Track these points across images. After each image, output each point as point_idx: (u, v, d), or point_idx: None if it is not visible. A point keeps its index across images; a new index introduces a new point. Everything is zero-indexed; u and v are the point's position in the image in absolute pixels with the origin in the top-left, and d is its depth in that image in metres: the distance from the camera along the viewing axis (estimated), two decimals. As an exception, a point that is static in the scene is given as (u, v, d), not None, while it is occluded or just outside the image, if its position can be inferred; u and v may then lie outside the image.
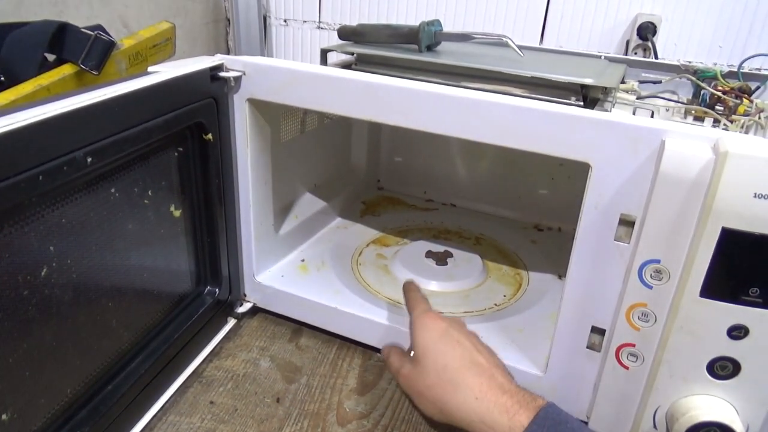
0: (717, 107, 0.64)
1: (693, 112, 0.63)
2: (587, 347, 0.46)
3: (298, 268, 0.65)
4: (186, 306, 0.55)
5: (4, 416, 0.36)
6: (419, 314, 0.48)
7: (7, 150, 0.32)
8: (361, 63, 0.64)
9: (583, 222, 0.43)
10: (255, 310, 0.63)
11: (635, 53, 1.01)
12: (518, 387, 0.42)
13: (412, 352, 0.47)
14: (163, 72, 0.45)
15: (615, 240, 0.42)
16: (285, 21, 1.26)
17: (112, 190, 0.42)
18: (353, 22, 0.73)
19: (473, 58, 0.61)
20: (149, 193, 0.47)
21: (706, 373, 0.40)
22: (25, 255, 0.35)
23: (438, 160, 0.85)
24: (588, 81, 0.53)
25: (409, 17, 1.14)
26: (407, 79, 0.47)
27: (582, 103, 0.54)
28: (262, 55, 1.26)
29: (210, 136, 0.51)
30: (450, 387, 0.43)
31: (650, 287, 0.40)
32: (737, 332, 0.38)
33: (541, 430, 0.38)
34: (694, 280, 0.38)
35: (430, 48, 0.63)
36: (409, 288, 0.54)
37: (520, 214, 0.81)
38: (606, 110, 0.54)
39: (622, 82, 0.67)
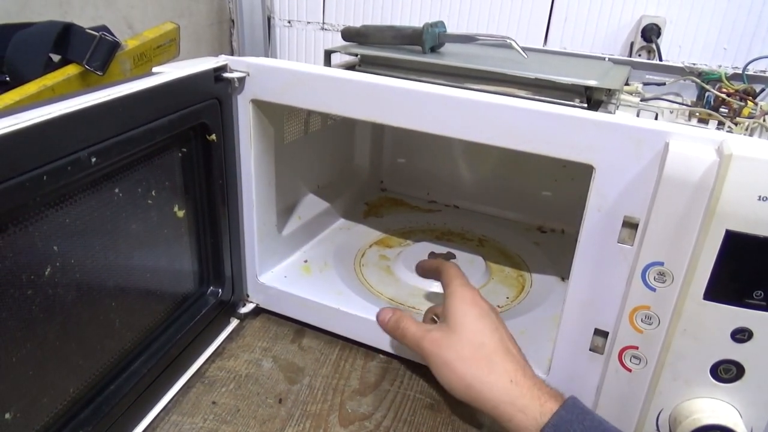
0: (721, 109, 0.64)
1: (697, 114, 0.63)
2: (590, 349, 0.46)
3: (301, 269, 0.65)
4: (189, 306, 0.55)
5: (6, 415, 0.36)
6: (460, 285, 0.49)
7: (11, 150, 0.32)
8: (364, 64, 0.64)
9: (586, 224, 0.43)
10: (258, 311, 0.63)
11: (639, 55, 1.00)
12: (544, 383, 0.44)
13: (437, 320, 0.47)
14: (167, 73, 0.46)
15: (618, 242, 0.42)
16: (289, 22, 1.26)
17: (116, 191, 0.42)
18: (357, 24, 0.73)
19: (477, 60, 0.61)
20: (153, 193, 0.47)
21: (710, 376, 0.40)
22: (28, 255, 0.35)
23: (441, 162, 0.85)
24: (592, 83, 0.53)
25: (412, 19, 1.14)
26: (411, 81, 0.46)
27: (586, 105, 0.54)
28: (266, 56, 1.26)
29: (214, 136, 0.51)
30: (485, 364, 0.43)
31: (654, 290, 0.40)
32: (741, 335, 0.38)
33: (569, 415, 0.40)
34: (698, 283, 0.38)
35: (433, 49, 0.63)
36: (439, 261, 0.54)
37: (523, 216, 0.81)
38: (610, 112, 0.54)
39: (626, 84, 0.67)
